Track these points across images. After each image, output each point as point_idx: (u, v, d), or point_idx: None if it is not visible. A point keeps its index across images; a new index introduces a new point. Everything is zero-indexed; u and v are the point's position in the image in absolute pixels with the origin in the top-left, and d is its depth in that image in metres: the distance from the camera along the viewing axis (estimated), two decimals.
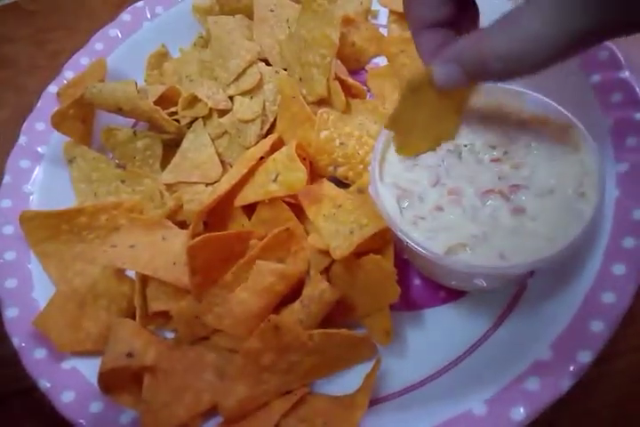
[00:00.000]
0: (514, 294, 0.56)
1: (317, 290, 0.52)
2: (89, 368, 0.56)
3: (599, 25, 0.33)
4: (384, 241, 0.53)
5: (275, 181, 0.57)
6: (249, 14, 0.73)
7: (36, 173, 0.69)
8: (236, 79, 0.68)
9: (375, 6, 0.77)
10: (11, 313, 0.59)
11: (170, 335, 0.59)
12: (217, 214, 0.60)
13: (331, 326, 0.52)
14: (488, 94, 0.51)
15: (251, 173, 0.59)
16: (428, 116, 0.47)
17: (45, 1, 0.95)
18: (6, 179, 0.68)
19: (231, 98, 0.68)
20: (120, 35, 0.78)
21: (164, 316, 0.58)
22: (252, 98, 0.67)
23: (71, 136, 0.69)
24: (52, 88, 0.74)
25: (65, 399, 0.54)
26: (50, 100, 0.73)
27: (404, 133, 0.49)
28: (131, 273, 0.61)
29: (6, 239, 0.64)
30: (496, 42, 0.36)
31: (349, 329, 0.52)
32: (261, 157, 0.60)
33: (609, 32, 0.34)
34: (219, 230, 0.56)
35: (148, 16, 0.79)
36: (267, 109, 0.67)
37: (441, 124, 0.49)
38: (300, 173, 0.56)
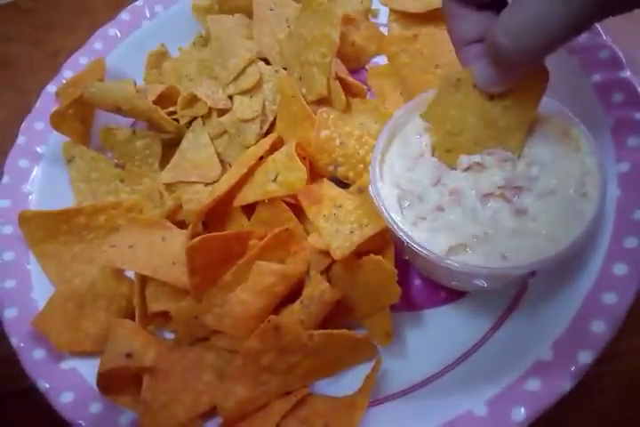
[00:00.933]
0: (515, 294, 0.56)
1: (317, 290, 0.52)
2: (88, 369, 0.56)
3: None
4: (384, 241, 0.53)
5: (274, 180, 0.57)
6: (248, 13, 0.73)
7: (34, 172, 0.69)
8: (236, 78, 0.68)
9: (375, 5, 0.76)
10: (10, 313, 0.59)
11: (169, 336, 0.59)
12: (216, 214, 0.60)
13: (331, 327, 0.52)
14: None
15: (250, 172, 0.59)
16: (478, 124, 0.46)
17: None
18: (5, 179, 0.68)
19: (230, 97, 0.68)
20: (119, 34, 0.78)
21: (164, 316, 0.57)
22: (251, 97, 0.67)
23: (70, 136, 0.68)
24: (51, 88, 0.74)
25: (64, 400, 0.54)
26: (49, 99, 0.73)
27: (442, 129, 0.48)
28: (130, 273, 0.61)
29: (5, 239, 0.64)
30: (504, 21, 0.37)
31: (349, 330, 0.52)
32: (261, 157, 0.60)
33: (612, 8, 0.35)
34: (218, 231, 0.55)
35: (148, 15, 0.79)
36: (266, 109, 0.66)
37: (497, 136, 0.47)
38: (300, 173, 0.56)
